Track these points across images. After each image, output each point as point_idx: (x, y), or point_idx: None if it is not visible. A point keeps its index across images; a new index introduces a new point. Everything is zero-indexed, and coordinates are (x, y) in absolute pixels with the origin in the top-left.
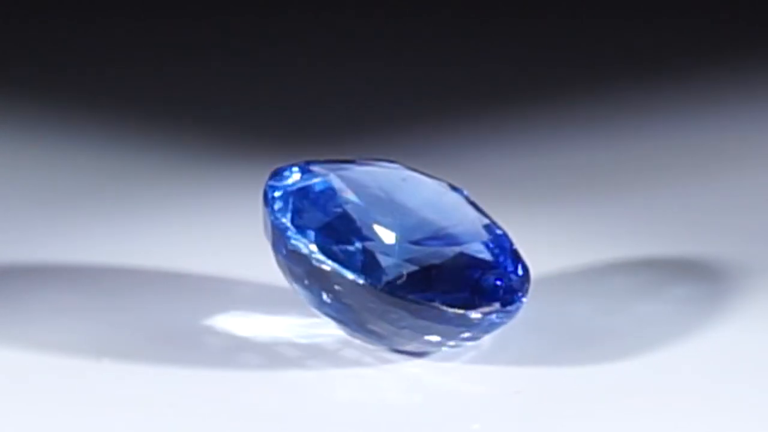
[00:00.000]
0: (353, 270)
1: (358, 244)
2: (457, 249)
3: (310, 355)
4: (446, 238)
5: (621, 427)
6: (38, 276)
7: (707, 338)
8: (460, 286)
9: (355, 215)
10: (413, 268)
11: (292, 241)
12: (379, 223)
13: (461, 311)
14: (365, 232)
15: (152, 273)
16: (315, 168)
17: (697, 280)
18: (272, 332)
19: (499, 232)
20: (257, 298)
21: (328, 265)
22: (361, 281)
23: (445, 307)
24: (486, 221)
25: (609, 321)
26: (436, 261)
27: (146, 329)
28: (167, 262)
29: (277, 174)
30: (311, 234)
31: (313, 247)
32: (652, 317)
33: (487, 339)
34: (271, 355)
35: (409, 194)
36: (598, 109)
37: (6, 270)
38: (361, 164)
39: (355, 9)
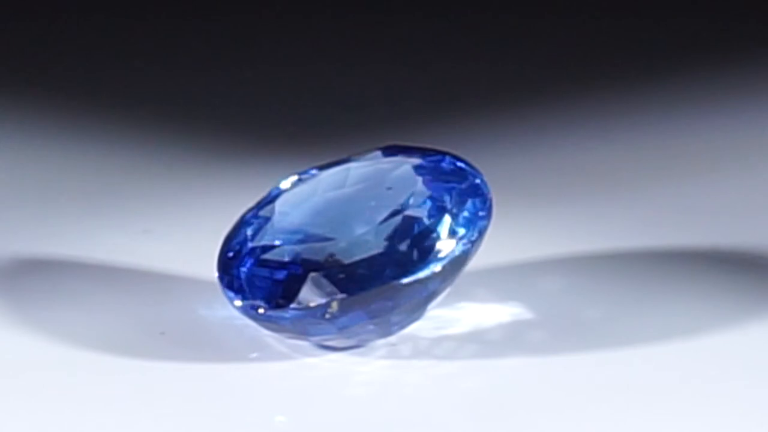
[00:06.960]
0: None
1: None
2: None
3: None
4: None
5: (618, 424)
6: (43, 271)
7: (707, 337)
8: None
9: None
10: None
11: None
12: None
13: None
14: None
15: (154, 272)
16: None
17: (697, 278)
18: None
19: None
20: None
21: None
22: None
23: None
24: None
25: (608, 319)
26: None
27: (146, 326)
28: (166, 262)
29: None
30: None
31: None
32: (651, 316)
33: (482, 332)
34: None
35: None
36: (602, 107)
37: (10, 267)
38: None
39: (357, 7)
